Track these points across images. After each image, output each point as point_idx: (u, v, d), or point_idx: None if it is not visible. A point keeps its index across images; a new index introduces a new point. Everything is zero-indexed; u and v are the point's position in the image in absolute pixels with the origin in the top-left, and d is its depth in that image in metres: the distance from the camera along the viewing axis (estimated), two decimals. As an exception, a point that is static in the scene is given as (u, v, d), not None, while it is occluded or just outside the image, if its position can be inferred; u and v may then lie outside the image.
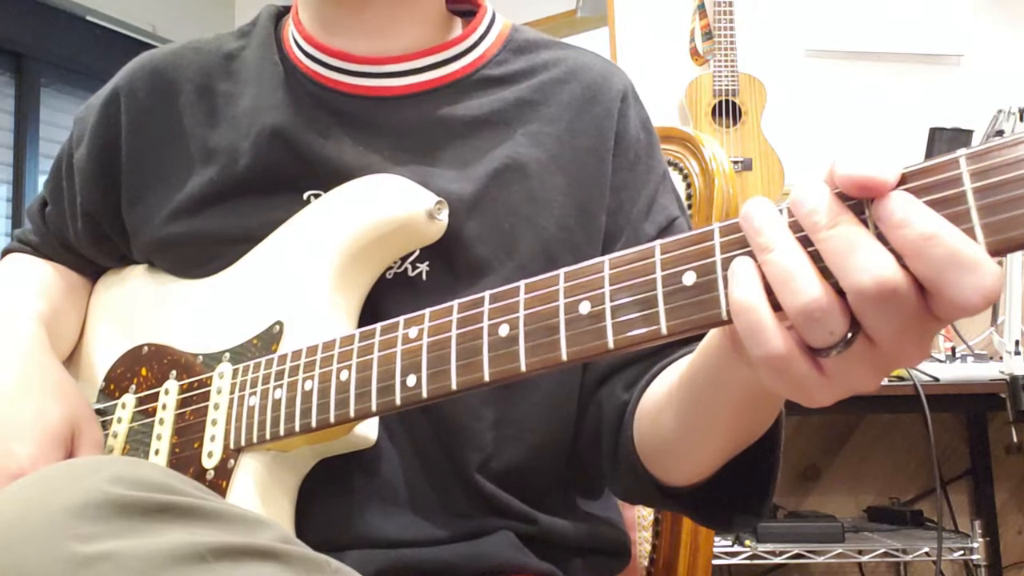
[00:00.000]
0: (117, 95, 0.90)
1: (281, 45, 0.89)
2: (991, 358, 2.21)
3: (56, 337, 0.90)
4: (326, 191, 0.81)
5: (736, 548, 2.06)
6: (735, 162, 2.64)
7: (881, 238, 0.44)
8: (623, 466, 0.77)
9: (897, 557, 2.10)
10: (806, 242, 0.46)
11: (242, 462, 0.74)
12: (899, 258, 0.43)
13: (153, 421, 0.82)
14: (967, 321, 2.38)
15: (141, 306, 0.91)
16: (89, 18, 3.19)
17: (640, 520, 1.06)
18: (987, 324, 2.34)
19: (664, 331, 0.51)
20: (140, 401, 0.85)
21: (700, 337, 0.62)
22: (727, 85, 2.75)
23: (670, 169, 1.06)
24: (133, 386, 0.86)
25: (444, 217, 0.76)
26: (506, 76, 0.86)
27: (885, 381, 2.02)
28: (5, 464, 0.76)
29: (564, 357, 0.55)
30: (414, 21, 0.86)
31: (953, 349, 2.27)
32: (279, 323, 0.77)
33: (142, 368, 0.86)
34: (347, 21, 0.85)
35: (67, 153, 0.94)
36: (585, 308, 0.55)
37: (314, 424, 0.69)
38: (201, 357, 0.81)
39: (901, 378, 2.02)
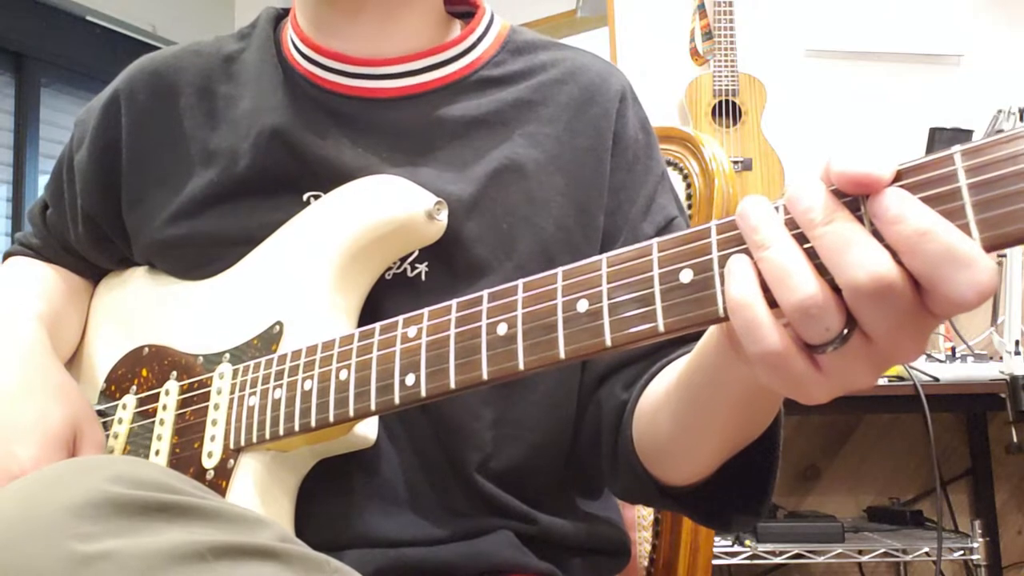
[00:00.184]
0: (117, 98, 0.91)
1: (280, 47, 0.90)
2: (991, 358, 2.21)
3: (57, 339, 0.90)
4: (326, 192, 0.81)
5: (736, 548, 2.06)
6: (735, 162, 2.64)
7: (877, 235, 0.44)
8: (622, 465, 0.77)
9: (897, 557, 2.10)
10: (802, 239, 0.46)
11: (242, 462, 0.74)
12: (894, 254, 0.43)
13: (153, 422, 0.82)
14: (967, 321, 2.38)
15: (142, 307, 0.91)
16: (89, 18, 3.19)
17: (640, 520, 1.06)
18: (987, 324, 2.34)
19: (661, 328, 0.51)
20: (141, 402, 0.85)
21: (699, 336, 0.62)
22: (727, 85, 2.75)
23: (670, 169, 1.06)
24: (134, 387, 0.86)
25: (443, 218, 0.77)
26: (504, 77, 0.86)
27: (885, 381, 2.03)
28: (7, 466, 0.76)
29: (562, 355, 0.55)
30: (410, 23, 0.86)
31: (953, 349, 2.27)
32: (279, 323, 0.78)
33: (143, 369, 0.86)
34: (343, 24, 0.85)
35: (68, 156, 0.95)
36: (583, 306, 0.55)
37: (313, 424, 0.69)
38: (201, 358, 0.82)
39: (901, 378, 2.02)
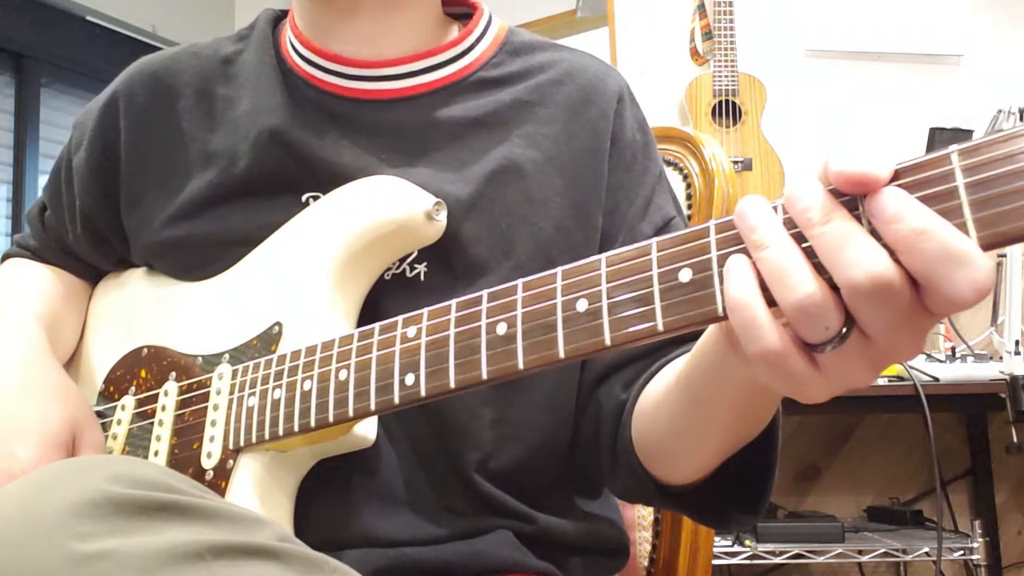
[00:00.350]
0: (116, 100, 0.91)
1: (279, 49, 0.90)
2: (991, 358, 2.21)
3: (56, 340, 0.90)
4: (324, 193, 0.81)
5: (736, 548, 2.06)
6: (735, 162, 2.64)
7: (875, 234, 0.44)
8: (622, 465, 0.77)
9: (897, 557, 2.10)
10: (800, 238, 0.46)
11: (241, 462, 0.74)
12: (892, 253, 0.43)
13: (152, 422, 0.82)
14: (967, 321, 2.38)
15: (140, 308, 0.91)
16: (89, 18, 3.19)
17: (640, 520, 1.06)
18: (987, 324, 2.34)
19: (661, 327, 0.51)
20: (139, 403, 0.85)
21: (698, 336, 0.62)
22: (727, 85, 2.75)
23: (670, 169, 1.07)
24: (133, 388, 0.86)
25: (443, 218, 0.77)
26: (502, 78, 0.86)
27: (885, 381, 2.03)
28: (7, 466, 0.76)
29: (562, 355, 0.55)
30: (407, 25, 0.86)
31: (953, 349, 2.27)
32: (278, 324, 0.78)
33: (141, 370, 0.87)
34: (339, 25, 0.85)
35: (66, 158, 0.95)
36: (582, 306, 0.55)
37: (313, 424, 0.69)
38: (200, 358, 0.82)
39: (901, 378, 2.02)
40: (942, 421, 2.50)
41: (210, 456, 0.76)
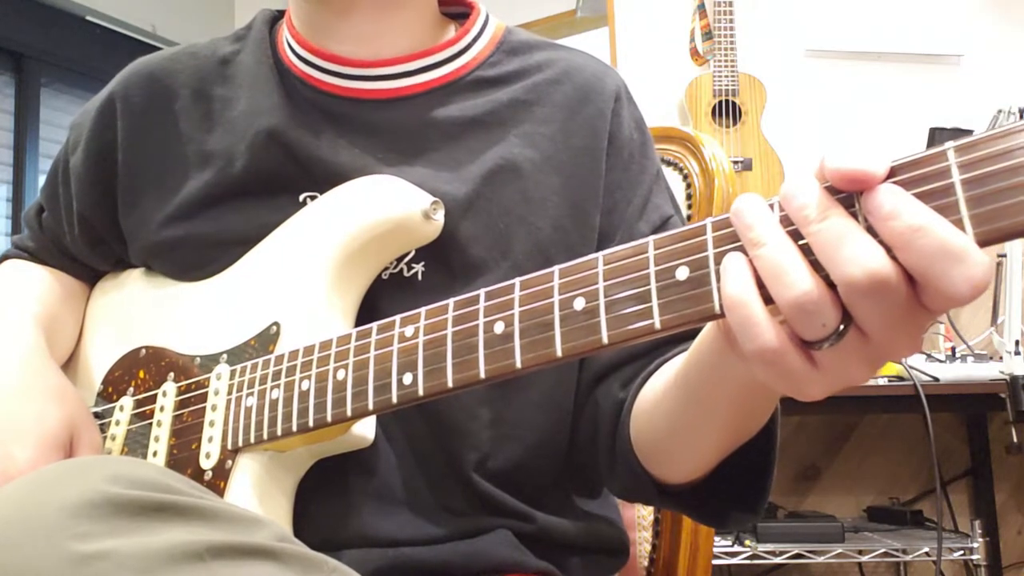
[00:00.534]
0: (113, 100, 0.91)
1: (276, 49, 0.90)
2: (991, 358, 2.21)
3: (54, 341, 0.90)
4: (322, 193, 0.81)
5: (736, 548, 2.06)
6: (735, 162, 2.64)
7: (871, 230, 0.44)
8: (620, 464, 0.77)
9: (897, 557, 2.10)
10: (796, 236, 0.46)
11: (240, 463, 0.74)
12: (889, 250, 0.43)
13: (151, 423, 0.82)
14: (967, 321, 2.38)
15: (138, 309, 0.91)
16: (89, 18, 3.20)
17: (640, 520, 1.06)
18: (987, 324, 2.34)
19: (658, 325, 0.51)
20: (138, 403, 0.85)
21: (695, 334, 0.62)
22: (727, 85, 2.75)
23: (670, 169, 1.07)
24: (131, 389, 0.86)
25: (440, 217, 0.77)
26: (499, 77, 0.86)
27: (885, 381, 2.03)
28: (5, 467, 0.76)
29: (559, 353, 0.55)
30: (404, 24, 0.86)
31: (953, 349, 2.27)
32: (276, 324, 0.78)
33: (140, 371, 0.86)
34: (336, 25, 0.85)
35: (63, 159, 0.95)
36: (580, 304, 0.55)
37: (311, 423, 0.69)
38: (198, 359, 0.82)
39: (901, 378, 2.02)
40: (942, 421, 2.50)
41: (208, 456, 0.76)
